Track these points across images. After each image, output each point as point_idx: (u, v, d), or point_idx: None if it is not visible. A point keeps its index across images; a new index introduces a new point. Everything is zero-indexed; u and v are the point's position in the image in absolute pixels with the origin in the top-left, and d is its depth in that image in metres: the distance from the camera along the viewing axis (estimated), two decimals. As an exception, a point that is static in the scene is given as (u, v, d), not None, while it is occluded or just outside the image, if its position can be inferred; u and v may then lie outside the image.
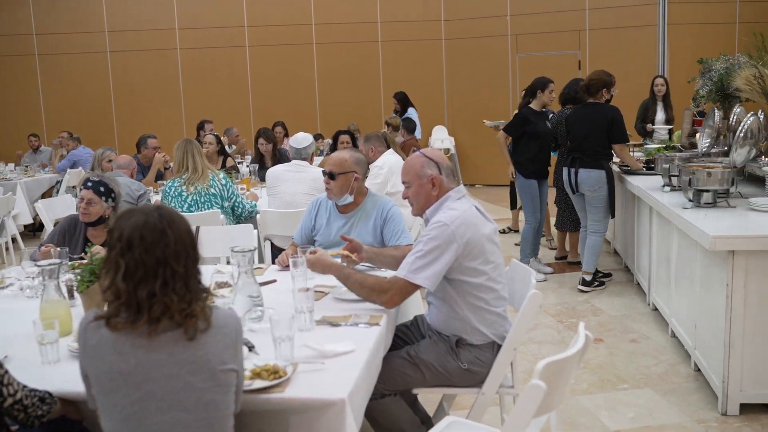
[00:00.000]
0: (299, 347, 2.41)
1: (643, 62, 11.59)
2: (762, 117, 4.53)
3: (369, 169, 4.41)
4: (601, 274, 6.22)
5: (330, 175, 3.78)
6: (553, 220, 7.24)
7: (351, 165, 3.80)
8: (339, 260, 3.21)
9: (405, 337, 3.22)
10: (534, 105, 6.38)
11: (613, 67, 11.60)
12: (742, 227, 3.76)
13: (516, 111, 7.59)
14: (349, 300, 3.06)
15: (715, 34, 11.28)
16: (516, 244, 7.31)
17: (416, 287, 2.86)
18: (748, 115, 4.45)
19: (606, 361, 4.59)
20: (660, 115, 8.28)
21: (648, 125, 8.26)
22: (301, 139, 5.58)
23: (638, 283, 6.03)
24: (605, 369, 4.47)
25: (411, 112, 10.32)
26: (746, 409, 3.74)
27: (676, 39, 11.57)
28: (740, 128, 4.37)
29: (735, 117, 5.01)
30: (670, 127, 8.05)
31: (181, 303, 1.91)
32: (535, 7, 12.15)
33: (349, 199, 3.81)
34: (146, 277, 1.89)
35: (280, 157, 7.29)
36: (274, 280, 3.45)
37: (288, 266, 3.30)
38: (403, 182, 3.07)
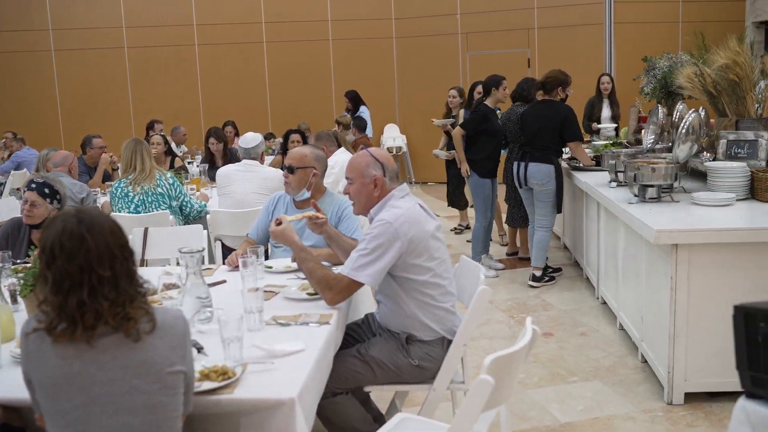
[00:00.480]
0: (248, 348, 2.40)
1: (591, 60, 11.77)
2: (703, 114, 4.65)
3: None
4: (551, 269, 6.31)
5: (289, 169, 3.82)
6: (504, 217, 7.31)
7: (311, 161, 3.84)
8: (303, 222, 3.28)
9: (356, 335, 3.23)
10: (489, 102, 6.44)
11: (562, 65, 11.75)
12: (685, 221, 3.85)
13: (463, 109, 7.68)
14: (299, 299, 3.05)
15: (660, 33, 11.52)
16: (468, 241, 7.37)
17: (359, 285, 2.87)
18: (690, 112, 4.55)
19: (556, 355, 4.66)
20: (606, 112, 8.44)
21: (594, 123, 8.40)
22: (249, 139, 5.55)
23: (587, 278, 6.14)
24: (555, 362, 4.54)
25: (362, 111, 10.32)
26: (690, 397, 3.84)
27: (623, 37, 11.78)
28: (682, 125, 4.47)
29: (678, 114, 5.13)
30: (616, 125, 8.19)
31: (113, 307, 1.86)
32: (484, 5, 12.25)
33: (307, 194, 3.83)
34: (73, 286, 1.84)
35: (230, 157, 7.23)
36: (224, 281, 3.43)
37: (238, 267, 3.28)
38: (347, 178, 3.08)
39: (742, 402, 1.73)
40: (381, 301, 3.08)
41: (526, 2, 12.10)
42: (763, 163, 4.47)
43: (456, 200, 8.27)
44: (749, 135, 4.54)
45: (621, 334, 4.94)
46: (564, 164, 6.41)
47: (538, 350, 4.72)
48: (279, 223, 3.14)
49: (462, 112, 7.71)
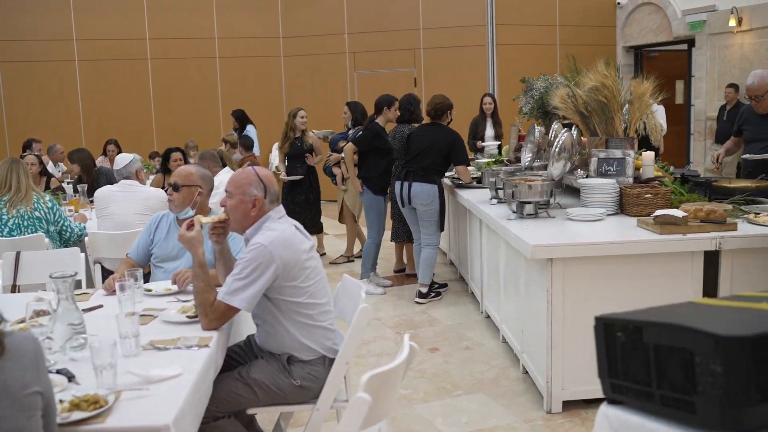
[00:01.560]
0: (123, 374, 2.33)
1: (475, 80, 12.13)
2: (575, 133, 4.87)
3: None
4: (437, 285, 6.43)
5: (174, 187, 3.76)
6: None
7: (196, 179, 3.80)
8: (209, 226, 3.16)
9: (238, 357, 3.19)
10: (380, 121, 6.54)
11: (447, 85, 12.10)
12: (559, 236, 4.01)
13: (350, 127, 7.74)
14: (178, 323, 2.99)
15: (539, 55, 12.02)
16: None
17: (236, 310, 2.85)
18: (562, 131, 4.77)
19: (441, 369, 4.74)
20: (489, 131, 8.70)
21: (478, 141, 8.64)
22: (120, 160, 5.44)
23: (472, 293, 6.29)
24: (441, 377, 4.62)
25: (249, 130, 10.23)
26: (568, 405, 3.99)
27: (504, 59, 12.22)
28: (555, 144, 4.68)
29: (553, 133, 5.36)
30: (499, 143, 8.45)
31: None
32: (372, 26, 12.43)
33: (191, 213, 3.76)
34: None
35: (98, 176, 7.01)
36: (101, 306, 3.32)
37: (115, 291, 3.18)
38: (227, 191, 3.05)
39: (604, 408, 1.81)
40: (259, 324, 3.06)
41: (413, 23, 12.37)
42: (631, 180, 4.72)
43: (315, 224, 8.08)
44: (618, 153, 4.79)
45: (504, 346, 5.08)
46: (447, 181, 6.58)
47: (425, 365, 4.80)
48: (190, 227, 3.05)
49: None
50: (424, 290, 6.21)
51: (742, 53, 10.96)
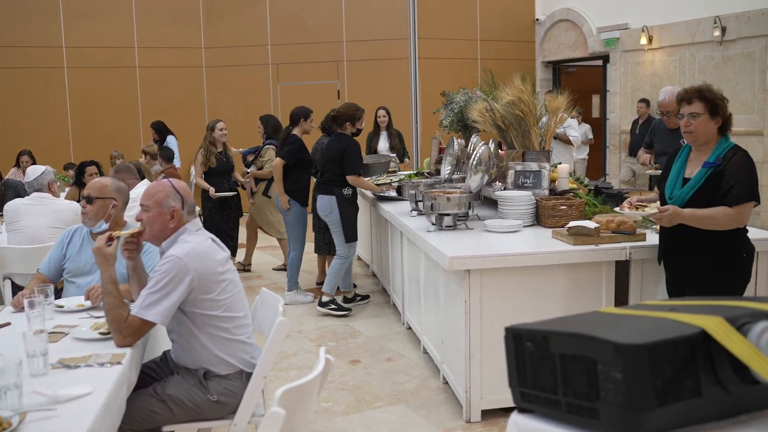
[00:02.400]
0: (29, 394, 2.25)
1: (399, 93, 12.25)
2: (492, 146, 4.98)
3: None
4: (359, 297, 6.45)
5: (88, 199, 3.67)
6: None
7: (111, 192, 3.71)
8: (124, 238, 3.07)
9: (153, 373, 3.13)
10: (297, 132, 6.55)
11: (371, 97, 12.16)
12: (476, 247, 4.08)
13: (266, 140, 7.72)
14: (90, 339, 2.91)
15: (461, 69, 12.22)
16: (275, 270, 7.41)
17: (151, 324, 2.80)
18: (479, 144, 4.86)
19: (363, 381, 4.75)
20: (383, 143, 8.73)
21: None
22: (30, 172, 5.29)
23: (394, 304, 6.33)
24: (362, 389, 4.62)
25: (170, 141, 10.05)
26: (487, 414, 4.06)
27: (427, 72, 12.37)
28: (472, 157, 4.77)
29: (472, 146, 5.45)
30: (394, 155, 8.46)
31: None
32: (295, 37, 12.41)
33: (104, 226, 3.67)
34: None
35: (6, 189, 6.77)
36: (8, 324, 3.20)
37: (24, 308, 3.08)
38: (142, 205, 3.00)
39: (515, 417, 1.85)
40: (174, 339, 3.01)
41: (336, 35, 12.41)
42: (547, 192, 4.85)
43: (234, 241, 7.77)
44: (534, 166, 4.92)
45: (425, 357, 5.12)
46: (369, 194, 6.62)
47: (346, 377, 4.80)
48: (110, 240, 2.97)
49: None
50: (325, 299, 6.25)
51: (653, 70, 11.41)
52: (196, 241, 2.93)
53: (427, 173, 6.89)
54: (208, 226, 7.07)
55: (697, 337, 1.50)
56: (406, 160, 8.70)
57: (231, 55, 12.53)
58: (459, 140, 5.85)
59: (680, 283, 3.64)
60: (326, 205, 6.16)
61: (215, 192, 7.37)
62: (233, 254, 7.33)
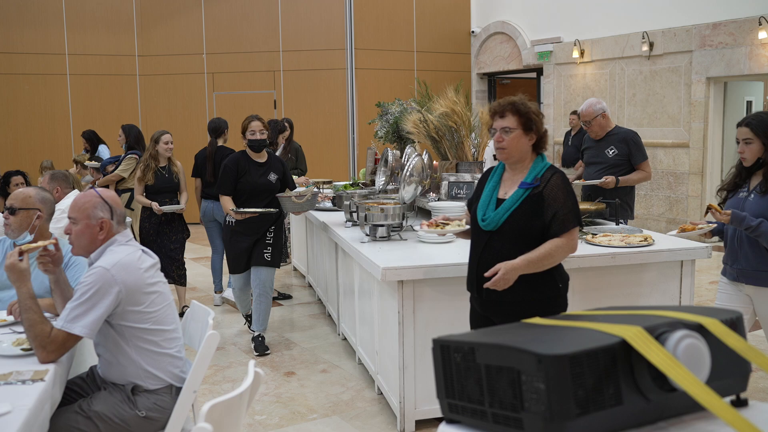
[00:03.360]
0: (-59, 415, 2.16)
1: (335, 103, 12.25)
2: (426, 157, 5.01)
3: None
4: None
5: (11, 210, 3.55)
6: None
7: (34, 202, 3.59)
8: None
9: (80, 390, 3.04)
10: (221, 143, 6.55)
11: (308, 107, 12.14)
12: (410, 258, 4.10)
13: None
14: (11, 356, 2.81)
15: (397, 80, 12.30)
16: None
17: (76, 338, 2.72)
18: (413, 155, 4.89)
19: (297, 393, 4.71)
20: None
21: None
22: None
23: (330, 315, 6.30)
24: (296, 401, 4.58)
25: (102, 150, 9.81)
26: (421, 424, 4.06)
27: (364, 83, 12.41)
28: (406, 168, 4.79)
29: (406, 156, 5.48)
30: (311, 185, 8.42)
31: None
32: (231, 47, 12.30)
33: (29, 237, 3.56)
34: None
35: None
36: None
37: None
38: (70, 218, 2.92)
39: (443, 428, 1.85)
40: (101, 354, 2.93)
41: (272, 45, 12.34)
42: (479, 203, 4.89)
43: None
44: (467, 177, 4.97)
45: (360, 368, 5.11)
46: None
47: (280, 390, 4.75)
48: (22, 255, 2.86)
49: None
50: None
51: (585, 83, 11.68)
52: (125, 252, 2.86)
53: (362, 184, 6.90)
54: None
55: (618, 347, 1.53)
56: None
57: (165, 64, 12.35)
58: (393, 151, 5.88)
59: (489, 316, 3.30)
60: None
61: (159, 206, 6.33)
62: (183, 282, 6.61)
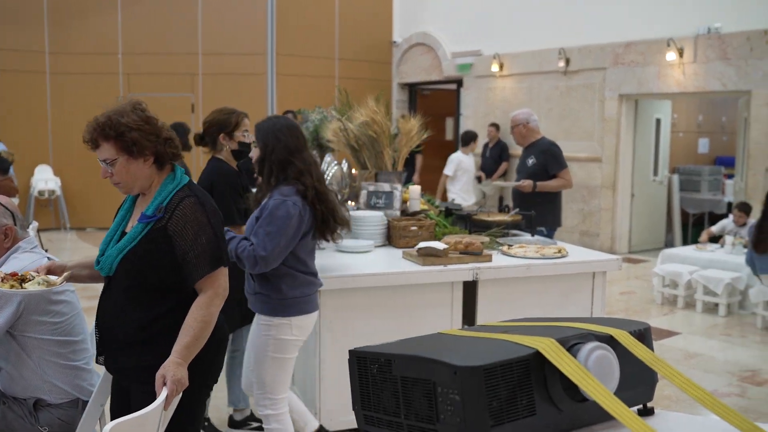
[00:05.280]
0: None
1: (256, 109, 12.09)
2: (345, 167, 5.00)
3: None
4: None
5: None
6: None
7: None
8: None
9: (-23, 404, 2.88)
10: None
11: (226, 113, 11.87)
12: (328, 268, 4.05)
13: None
14: None
15: (319, 87, 12.27)
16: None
17: None
18: (332, 164, 4.87)
19: (211, 405, 4.58)
20: None
21: None
22: None
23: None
24: (210, 413, 4.46)
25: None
26: (335, 436, 4.03)
27: (285, 89, 12.33)
28: (325, 176, 4.76)
29: (326, 165, 5.44)
30: None
31: None
32: (148, 47, 12.02)
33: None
34: None
35: None
36: None
37: None
38: None
39: (358, 441, 1.83)
40: (2, 367, 2.80)
41: (191, 47, 12.13)
42: (398, 213, 4.91)
43: None
44: (386, 187, 4.98)
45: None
46: None
47: (193, 401, 4.63)
48: None
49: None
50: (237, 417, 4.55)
51: (504, 96, 11.92)
52: (29, 260, 2.75)
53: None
54: None
55: (532, 358, 1.55)
56: None
57: (78, 62, 11.96)
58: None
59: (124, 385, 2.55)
60: None
61: None
62: None
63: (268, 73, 12.29)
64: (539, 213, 5.23)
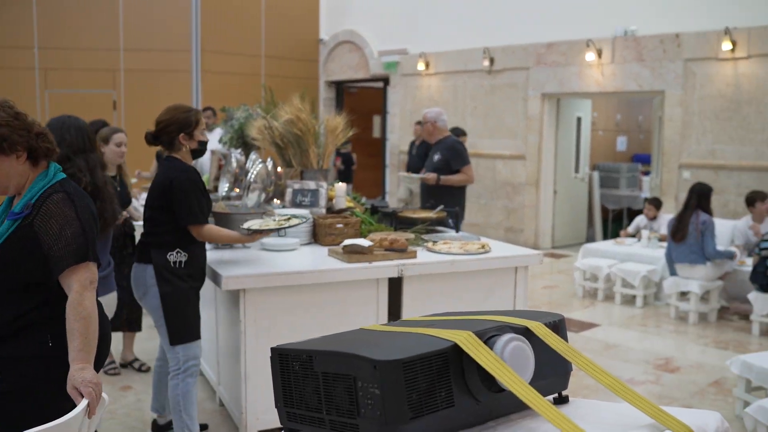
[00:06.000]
0: None
1: (179, 106, 11.91)
2: (270, 164, 4.97)
3: None
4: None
5: None
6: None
7: None
8: None
9: None
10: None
11: (151, 110, 11.67)
12: (253, 266, 4.03)
13: None
14: None
15: (245, 84, 12.15)
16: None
17: None
18: (257, 162, 4.84)
19: (134, 408, 4.54)
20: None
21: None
22: None
23: (171, 324, 6.09)
24: (133, 416, 4.41)
25: None
26: (263, 435, 4.02)
27: (211, 86, 12.15)
28: (249, 175, 4.73)
29: (251, 163, 5.41)
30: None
31: None
32: (66, 41, 11.66)
33: None
34: None
35: None
36: None
37: None
38: None
39: (283, 439, 1.84)
40: None
41: (112, 42, 11.83)
42: (324, 210, 4.92)
43: None
44: (312, 185, 4.97)
45: (201, 379, 4.97)
46: None
47: (116, 405, 4.54)
48: None
49: None
50: None
51: (430, 94, 12.04)
52: None
53: (208, 190, 6.74)
54: None
55: (450, 351, 1.58)
56: None
57: (-11, 57, 11.53)
58: (238, 156, 5.78)
59: None
60: (138, 280, 3.73)
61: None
62: (135, 327, 5.36)
63: (193, 70, 12.10)
64: (445, 206, 5.44)
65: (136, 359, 5.24)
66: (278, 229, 3.98)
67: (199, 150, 3.83)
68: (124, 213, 4.84)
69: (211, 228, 3.75)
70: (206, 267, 3.86)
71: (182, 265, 3.66)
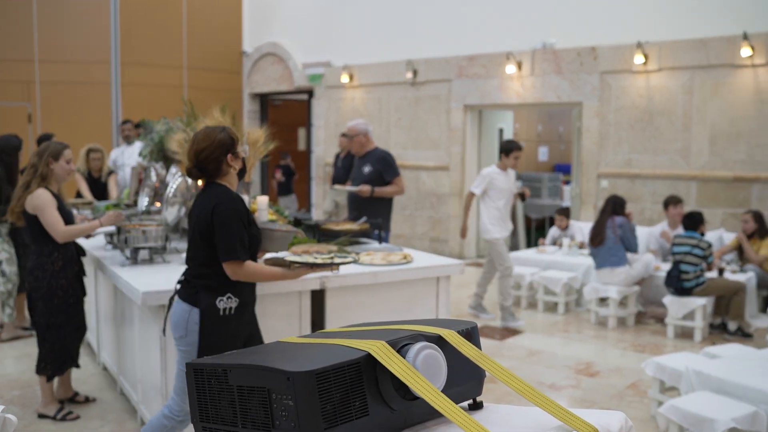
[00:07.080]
0: None
1: (100, 120, 11.62)
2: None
3: None
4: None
5: None
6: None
7: None
8: None
9: None
10: None
11: (70, 124, 11.43)
12: (173, 282, 3.93)
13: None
14: None
15: (166, 97, 11.95)
16: None
17: None
18: (176, 175, 4.77)
19: (49, 430, 4.37)
20: None
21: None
22: None
23: (89, 344, 5.93)
24: (49, 438, 4.26)
25: None
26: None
27: (131, 99, 11.91)
28: (168, 189, 4.66)
29: (172, 177, 5.32)
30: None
31: None
32: (-23, 53, 11.27)
33: None
34: None
35: None
36: None
37: None
38: None
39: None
40: None
41: (26, 53, 11.48)
42: (248, 223, 4.87)
43: None
44: (234, 197, 4.92)
45: (122, 399, 4.86)
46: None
47: (31, 429, 4.38)
48: None
49: None
50: None
51: (354, 106, 12.08)
52: None
53: (126, 205, 6.59)
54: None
55: (363, 361, 1.59)
56: None
57: None
58: (157, 170, 5.67)
59: None
60: (181, 322, 3.30)
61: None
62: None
63: (112, 82, 11.84)
64: (374, 217, 5.45)
65: (77, 393, 4.95)
66: (330, 265, 3.53)
67: (243, 169, 3.39)
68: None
69: (250, 266, 3.25)
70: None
71: (232, 312, 3.26)
